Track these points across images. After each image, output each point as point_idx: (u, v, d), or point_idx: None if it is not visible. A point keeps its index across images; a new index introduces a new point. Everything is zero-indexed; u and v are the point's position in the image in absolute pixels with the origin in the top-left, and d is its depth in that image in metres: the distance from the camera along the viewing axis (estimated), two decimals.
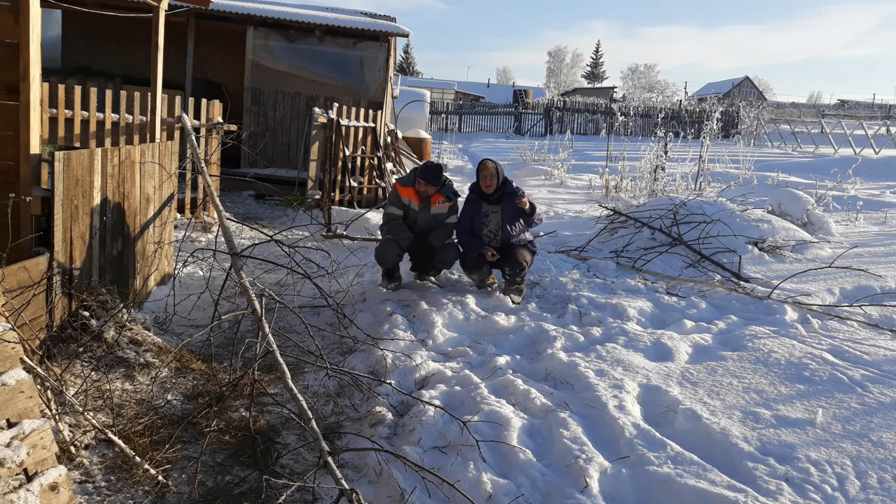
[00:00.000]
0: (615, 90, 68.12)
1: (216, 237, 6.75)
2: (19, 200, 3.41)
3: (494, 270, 5.55)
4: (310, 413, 2.93)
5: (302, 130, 10.71)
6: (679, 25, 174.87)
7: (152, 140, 5.33)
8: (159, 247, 5.15)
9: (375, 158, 9.59)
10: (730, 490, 2.66)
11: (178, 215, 7.38)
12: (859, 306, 5.21)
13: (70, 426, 2.92)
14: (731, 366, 3.98)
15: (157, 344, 3.89)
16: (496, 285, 5.54)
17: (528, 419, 3.24)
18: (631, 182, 10.93)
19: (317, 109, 8.92)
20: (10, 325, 2.36)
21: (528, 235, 5.52)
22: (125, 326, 3.83)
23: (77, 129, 6.88)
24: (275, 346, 3.37)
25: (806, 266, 6.36)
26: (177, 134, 7.24)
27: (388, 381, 3.64)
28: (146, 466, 2.77)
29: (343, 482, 2.55)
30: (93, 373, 3.39)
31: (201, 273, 5.69)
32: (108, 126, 7.01)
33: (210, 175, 6.11)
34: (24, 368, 2.33)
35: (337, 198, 9.13)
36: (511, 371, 3.83)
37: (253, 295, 3.66)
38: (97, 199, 3.91)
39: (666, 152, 10.48)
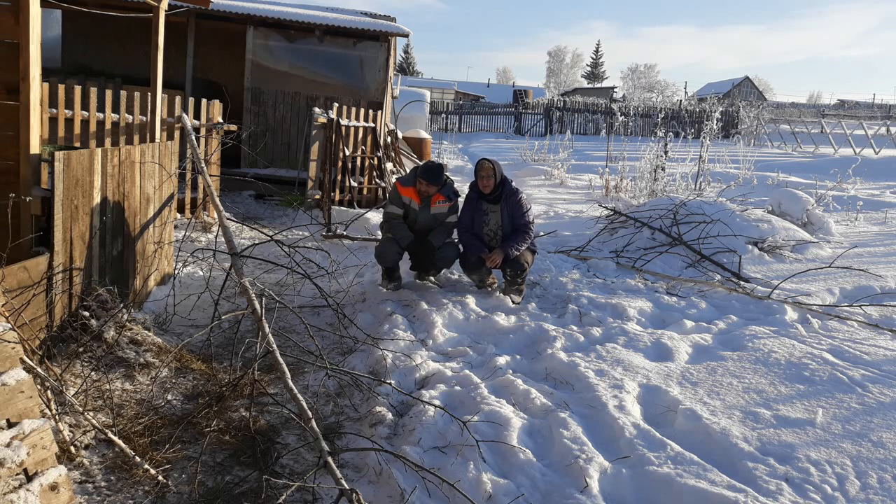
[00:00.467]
0: (615, 90, 68.12)
1: (216, 237, 6.75)
2: (19, 200, 3.41)
3: (495, 270, 5.55)
4: (310, 413, 2.93)
5: (302, 130, 10.71)
6: (679, 25, 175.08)
7: (152, 140, 5.33)
8: (159, 247, 5.15)
9: (375, 158, 9.59)
10: (730, 490, 2.66)
11: (178, 215, 7.38)
12: (859, 306, 5.21)
13: (70, 426, 2.92)
14: (731, 366, 3.98)
15: (157, 344, 3.89)
16: (496, 285, 5.54)
17: (528, 419, 3.24)
18: (631, 182, 10.93)
19: (317, 109, 8.92)
20: (10, 325, 2.36)
21: None
22: (125, 326, 3.83)
23: (77, 129, 6.88)
24: (275, 346, 3.37)
25: (806, 266, 6.36)
26: (177, 134, 7.24)
27: (388, 381, 3.64)
28: (146, 466, 2.77)
29: (343, 482, 2.55)
30: (93, 373, 3.39)
31: (201, 273, 5.69)
32: (108, 126, 7.01)
33: (210, 175, 6.11)
34: (24, 368, 2.33)
35: (337, 198, 9.13)
36: (511, 371, 3.83)
37: (253, 295, 3.66)
38: (97, 199, 3.91)
39: (666, 152, 10.49)
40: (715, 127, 11.28)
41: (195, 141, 6.07)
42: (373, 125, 9.52)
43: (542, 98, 44.64)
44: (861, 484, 2.79)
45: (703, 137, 10.90)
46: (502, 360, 4.01)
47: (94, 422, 2.85)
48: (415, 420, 3.25)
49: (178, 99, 7.26)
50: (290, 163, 10.88)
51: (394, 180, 6.12)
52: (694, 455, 2.92)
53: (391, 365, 3.92)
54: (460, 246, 5.45)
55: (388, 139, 11.08)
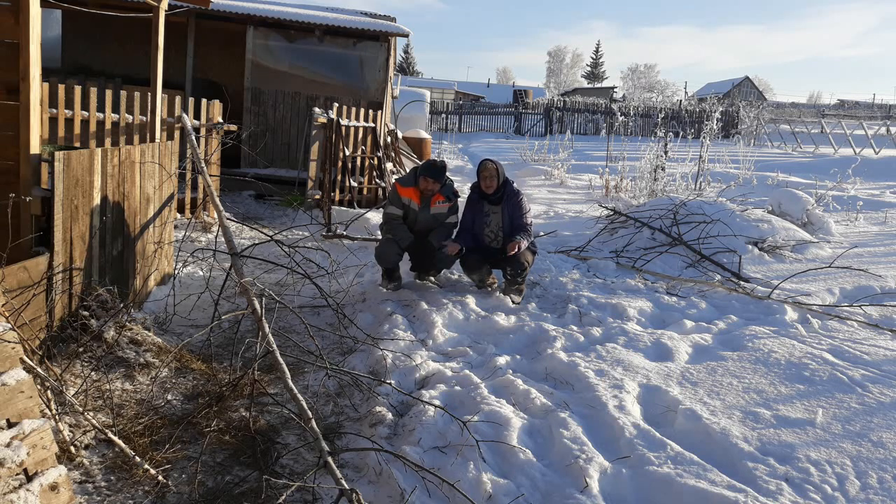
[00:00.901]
0: (615, 90, 68.11)
1: (216, 237, 6.75)
2: (19, 200, 3.41)
3: (495, 270, 5.55)
4: (310, 413, 2.93)
5: (302, 130, 10.71)
6: (679, 25, 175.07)
7: (152, 140, 5.33)
8: (159, 247, 5.15)
9: (375, 158, 9.59)
10: (730, 490, 2.66)
11: (178, 215, 7.38)
12: (859, 306, 5.21)
13: (70, 426, 2.92)
14: (731, 366, 3.98)
15: (157, 344, 3.89)
16: (496, 285, 5.54)
17: (528, 419, 3.24)
18: (631, 182, 10.93)
19: (317, 109, 8.92)
20: (10, 325, 2.36)
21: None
22: (125, 326, 3.83)
23: (77, 129, 6.88)
24: (275, 346, 3.37)
25: (806, 266, 6.36)
26: (177, 134, 7.24)
27: (388, 381, 3.64)
28: (146, 466, 2.77)
29: (343, 482, 2.55)
30: (93, 373, 3.39)
31: (201, 273, 5.69)
32: (108, 126, 7.01)
33: (210, 175, 6.11)
34: (24, 368, 2.33)
35: (337, 198, 9.13)
36: (511, 371, 3.83)
37: (253, 295, 3.66)
38: (97, 199, 3.91)
39: (666, 152, 10.48)
40: (715, 127, 11.28)
41: (195, 141, 6.07)
42: (373, 125, 9.52)
43: (542, 98, 44.63)
44: (861, 484, 2.79)
45: (703, 137, 10.90)
46: (502, 360, 4.01)
47: (94, 422, 2.85)
48: (415, 420, 3.25)
49: (178, 99, 7.26)
50: (290, 163, 10.88)
51: (394, 181, 6.11)
52: (694, 455, 2.92)
53: (391, 365, 3.92)
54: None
55: (388, 139, 11.08)
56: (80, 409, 2.85)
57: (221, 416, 3.30)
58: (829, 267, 6.19)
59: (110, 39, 11.79)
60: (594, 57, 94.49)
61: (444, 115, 32.34)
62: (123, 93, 7.12)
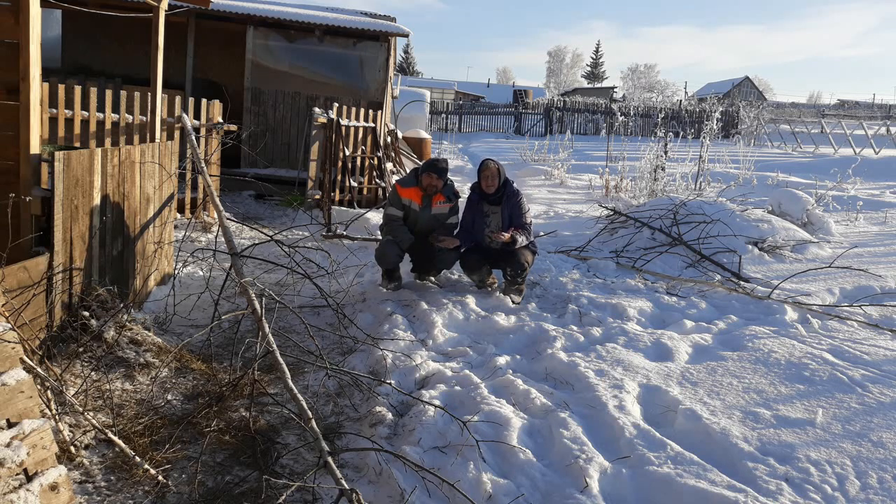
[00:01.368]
0: (615, 90, 68.11)
1: (216, 237, 6.75)
2: (19, 200, 3.41)
3: (495, 270, 5.55)
4: (310, 413, 2.93)
5: (302, 130, 10.71)
6: (679, 25, 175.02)
7: (152, 140, 5.33)
8: (159, 247, 5.15)
9: (375, 158, 9.59)
10: (730, 490, 2.66)
11: (178, 215, 7.38)
12: (859, 306, 5.21)
13: (70, 426, 2.92)
14: (731, 366, 3.98)
15: (157, 344, 3.89)
16: (496, 285, 5.54)
17: (528, 419, 3.24)
18: (631, 182, 10.93)
19: (317, 109, 8.92)
20: (10, 325, 2.36)
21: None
22: (125, 326, 3.83)
23: (77, 129, 6.87)
24: (275, 346, 3.37)
25: (806, 266, 6.36)
26: (177, 134, 7.24)
27: (388, 381, 3.64)
28: (146, 466, 2.77)
29: (343, 482, 2.55)
30: (93, 373, 3.39)
31: (201, 273, 5.69)
32: (108, 126, 7.01)
33: (210, 175, 6.11)
34: (24, 368, 2.33)
35: (337, 198, 9.13)
36: (511, 371, 3.83)
37: (253, 295, 3.66)
38: (97, 199, 3.91)
39: (666, 152, 10.48)
40: (715, 127, 11.28)
41: (195, 141, 6.07)
42: (373, 125, 9.53)
43: (542, 98, 44.63)
44: (861, 484, 2.79)
45: (703, 137, 10.90)
46: (502, 360, 4.01)
47: (94, 422, 2.85)
48: (415, 420, 3.25)
49: (178, 99, 7.26)
50: (290, 163, 10.88)
51: (394, 181, 6.12)
52: (694, 455, 2.92)
53: (391, 365, 3.92)
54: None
55: (388, 139, 11.08)
56: (80, 409, 2.85)
57: (221, 416, 3.30)
58: (829, 267, 6.19)
59: (110, 39, 11.79)
60: (594, 57, 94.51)
61: (444, 115, 32.34)
62: (123, 93, 7.12)
